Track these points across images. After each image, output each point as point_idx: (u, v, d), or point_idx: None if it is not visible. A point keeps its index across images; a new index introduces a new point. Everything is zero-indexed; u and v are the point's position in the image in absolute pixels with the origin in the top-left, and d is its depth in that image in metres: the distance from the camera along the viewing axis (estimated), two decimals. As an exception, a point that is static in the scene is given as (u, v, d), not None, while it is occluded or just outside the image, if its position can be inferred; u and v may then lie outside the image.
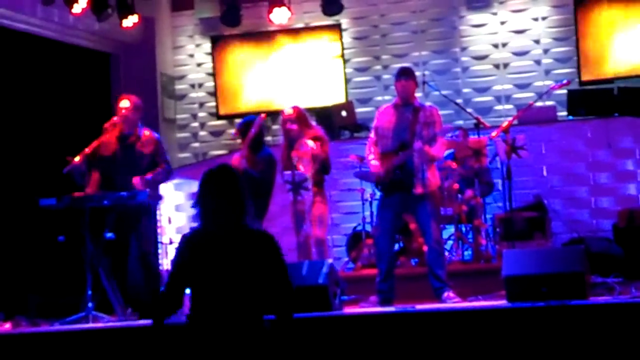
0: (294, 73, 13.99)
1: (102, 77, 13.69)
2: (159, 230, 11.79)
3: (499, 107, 13.38)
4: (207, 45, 14.36)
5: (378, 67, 13.85)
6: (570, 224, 11.74)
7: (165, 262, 12.18)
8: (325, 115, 12.66)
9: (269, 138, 13.58)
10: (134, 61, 13.82)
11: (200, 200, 5.35)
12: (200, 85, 14.46)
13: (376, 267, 9.04)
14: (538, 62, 13.35)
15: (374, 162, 8.94)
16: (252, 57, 14.13)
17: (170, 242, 12.36)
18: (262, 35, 14.14)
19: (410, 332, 7.22)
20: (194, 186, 12.89)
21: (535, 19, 13.39)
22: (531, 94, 12.98)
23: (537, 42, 13.37)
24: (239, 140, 10.19)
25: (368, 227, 11.05)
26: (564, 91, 12.19)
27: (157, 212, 9.65)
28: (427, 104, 9.25)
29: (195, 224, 5.47)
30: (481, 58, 13.52)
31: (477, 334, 7.08)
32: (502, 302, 7.73)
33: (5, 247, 11.23)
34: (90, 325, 8.45)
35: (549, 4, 13.37)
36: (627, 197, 11.96)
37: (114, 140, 9.29)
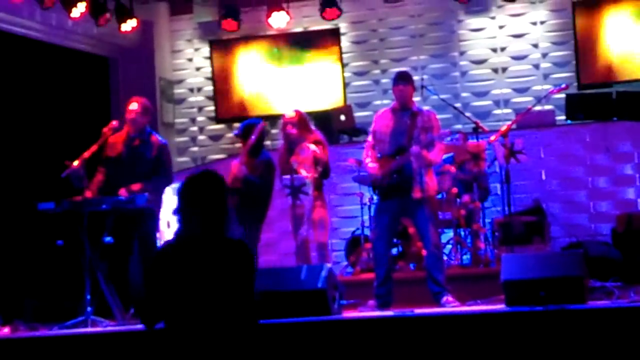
0: (293, 77, 13.99)
1: (101, 81, 13.70)
2: (157, 235, 11.76)
3: (497, 112, 13.38)
4: (205, 50, 14.37)
5: (377, 71, 13.86)
6: (569, 228, 11.74)
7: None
8: (324, 119, 12.65)
9: (268, 142, 13.59)
10: (133, 65, 13.83)
11: (180, 207, 5.27)
12: (199, 90, 14.46)
13: (374, 272, 9.05)
14: (537, 67, 13.36)
15: (371, 165, 8.94)
16: (251, 61, 14.12)
17: (169, 246, 12.35)
18: (260, 39, 14.14)
19: (409, 337, 7.21)
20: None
21: (534, 23, 13.40)
22: (530, 98, 12.98)
23: (535, 46, 13.39)
24: (238, 145, 10.19)
25: (367, 232, 11.04)
26: (563, 95, 12.20)
27: (158, 216, 9.61)
28: (425, 108, 9.25)
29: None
30: (480, 62, 13.53)
31: (475, 339, 7.07)
32: (501, 307, 7.73)
33: (4, 251, 11.22)
34: (89, 329, 8.44)
35: (547, 8, 13.38)
36: (626, 201, 11.96)
37: (121, 141, 9.33)
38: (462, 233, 11.04)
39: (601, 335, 6.81)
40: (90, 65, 13.44)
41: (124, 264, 9.30)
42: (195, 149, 14.42)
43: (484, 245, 10.83)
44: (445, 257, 10.66)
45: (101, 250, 8.97)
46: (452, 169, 10.99)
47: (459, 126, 12.51)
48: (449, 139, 10.07)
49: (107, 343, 7.73)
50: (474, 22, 13.58)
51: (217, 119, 14.28)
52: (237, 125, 11.88)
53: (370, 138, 9.11)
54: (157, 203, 9.56)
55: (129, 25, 12.63)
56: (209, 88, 14.36)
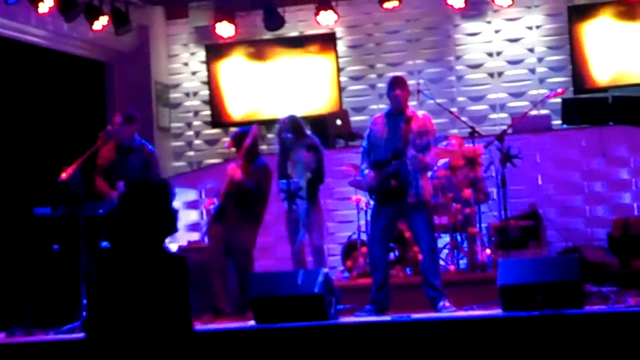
0: (288, 82, 13.99)
1: (97, 85, 13.69)
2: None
3: (493, 116, 13.39)
4: (201, 54, 14.36)
5: (373, 75, 13.85)
6: (565, 232, 11.74)
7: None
8: (320, 124, 12.65)
9: (264, 147, 13.59)
10: (129, 70, 13.82)
11: (119, 215, 5.06)
12: (195, 94, 14.45)
13: (371, 276, 9.05)
14: (532, 71, 13.36)
15: (367, 171, 8.95)
16: (247, 66, 14.12)
17: (165, 251, 12.34)
18: (256, 44, 14.14)
19: (405, 342, 7.21)
20: (189, 195, 13.00)
21: (530, 28, 13.41)
22: (526, 103, 12.98)
23: (531, 50, 13.39)
24: (233, 149, 10.20)
25: (363, 236, 11.03)
26: (559, 100, 12.19)
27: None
28: (420, 112, 9.25)
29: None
30: (476, 67, 13.54)
31: (472, 343, 7.08)
32: (498, 311, 7.73)
33: (0, 255, 11.21)
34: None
35: (543, 13, 13.39)
36: (622, 205, 11.96)
37: (112, 151, 9.42)
38: (459, 238, 11.04)
39: (598, 340, 6.82)
40: (86, 70, 13.42)
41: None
42: (191, 153, 14.41)
43: (481, 249, 10.84)
44: (441, 262, 10.69)
45: (98, 255, 8.95)
46: (448, 173, 10.99)
47: (455, 131, 12.51)
48: (445, 143, 10.08)
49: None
50: (469, 26, 13.58)
51: (213, 124, 14.27)
52: (233, 129, 11.90)
53: (365, 143, 9.13)
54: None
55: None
56: (204, 92, 14.35)
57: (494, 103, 13.44)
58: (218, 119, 14.18)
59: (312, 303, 7.93)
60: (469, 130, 11.08)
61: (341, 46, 13.94)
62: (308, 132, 9.86)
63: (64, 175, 8.98)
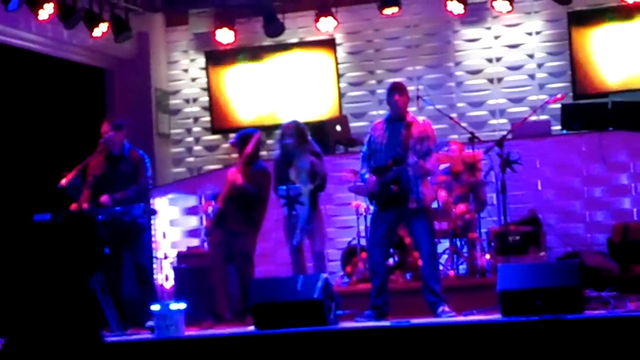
0: (288, 88, 13.99)
1: (97, 92, 13.70)
2: (153, 245, 11.77)
3: (493, 122, 13.39)
4: (201, 60, 14.37)
5: (372, 81, 13.86)
6: (565, 238, 11.74)
7: (160, 277, 12.18)
8: (320, 130, 12.65)
9: (264, 152, 13.60)
10: (128, 76, 13.83)
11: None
12: (195, 100, 14.46)
13: (370, 282, 9.05)
14: (532, 77, 13.37)
15: (367, 176, 8.95)
16: (247, 72, 14.13)
17: (165, 257, 12.36)
18: (256, 50, 14.15)
19: (405, 347, 7.21)
20: (189, 201, 13.01)
21: (529, 34, 13.41)
22: (525, 108, 12.98)
23: (531, 56, 13.40)
24: (233, 155, 10.21)
25: (363, 242, 11.04)
26: (558, 105, 12.19)
27: (152, 226, 9.66)
28: (420, 118, 9.26)
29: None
30: (475, 72, 13.54)
31: (472, 349, 7.08)
32: (497, 317, 7.73)
33: (0, 262, 11.20)
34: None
35: (542, 19, 13.40)
36: (622, 211, 11.95)
37: (103, 160, 9.44)
38: (458, 243, 11.04)
39: (597, 345, 6.82)
40: (86, 77, 13.43)
41: (119, 274, 9.34)
42: (191, 159, 14.41)
43: (480, 255, 10.83)
44: (441, 267, 10.69)
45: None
46: (448, 179, 11.00)
47: (454, 136, 12.52)
48: (445, 148, 10.09)
49: (104, 353, 7.71)
50: (469, 32, 13.59)
51: (212, 130, 14.27)
52: (232, 135, 11.90)
53: (365, 149, 9.13)
54: (150, 214, 9.62)
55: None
56: (204, 99, 14.36)
57: (493, 109, 13.44)
58: (218, 125, 14.18)
59: (312, 308, 7.93)
60: (469, 135, 11.10)
61: (341, 52, 13.95)
62: (310, 139, 9.86)
63: (63, 181, 9.01)
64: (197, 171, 14.24)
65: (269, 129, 13.89)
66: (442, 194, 10.79)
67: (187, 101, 14.47)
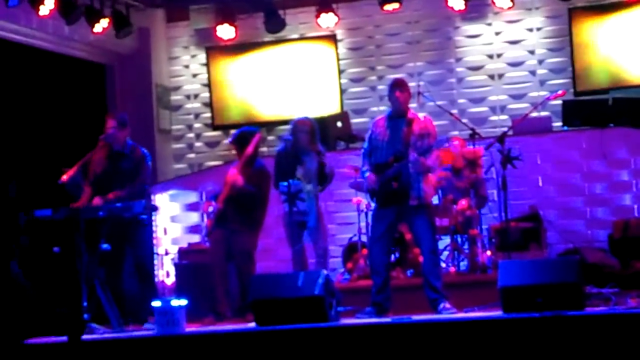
0: (289, 84, 13.99)
1: (98, 88, 13.69)
2: (154, 242, 11.79)
3: (494, 118, 13.39)
4: (202, 56, 14.37)
5: (373, 77, 13.86)
6: (566, 234, 11.74)
7: (161, 274, 12.18)
8: (321, 126, 12.63)
9: (264, 149, 13.60)
10: (129, 72, 13.83)
11: None
12: (196, 96, 14.46)
13: (372, 279, 9.05)
14: (533, 73, 13.36)
15: (368, 173, 8.94)
16: (247, 68, 14.12)
17: (166, 253, 12.37)
18: (257, 46, 14.14)
19: (406, 343, 7.22)
20: (189, 197, 13.01)
21: (530, 30, 13.41)
22: (526, 105, 12.99)
23: (532, 52, 13.40)
24: (234, 151, 10.20)
25: (364, 238, 11.04)
26: (559, 102, 12.19)
27: (152, 223, 9.66)
28: (421, 114, 9.24)
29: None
30: (476, 69, 13.54)
31: (473, 345, 7.08)
32: (498, 313, 7.73)
33: (0, 258, 11.20)
34: (86, 336, 8.43)
35: (543, 15, 13.39)
36: (623, 207, 11.96)
37: (104, 157, 9.42)
38: (459, 239, 11.04)
39: (598, 342, 6.82)
40: (86, 72, 13.43)
41: (120, 271, 9.34)
42: (191, 155, 14.42)
43: (481, 251, 10.84)
44: (442, 264, 10.69)
45: (98, 257, 8.98)
46: (449, 175, 11.00)
47: (455, 132, 12.51)
48: (446, 145, 10.09)
49: (104, 350, 7.73)
50: (470, 28, 13.59)
51: (213, 126, 14.27)
52: (233, 132, 11.89)
53: (366, 145, 9.12)
54: (150, 210, 9.61)
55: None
56: (205, 95, 14.35)
57: (494, 105, 13.44)
58: (219, 121, 14.18)
59: (313, 305, 7.93)
60: (470, 132, 11.09)
61: (342, 48, 13.95)
62: (318, 139, 9.85)
63: (64, 177, 9.01)
64: (197, 167, 14.24)
65: (270, 125, 13.91)
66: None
67: (188, 97, 14.48)
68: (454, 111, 12.74)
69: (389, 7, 13.10)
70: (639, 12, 12.94)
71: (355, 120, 13.44)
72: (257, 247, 9.84)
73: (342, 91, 13.88)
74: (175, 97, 14.46)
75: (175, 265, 11.76)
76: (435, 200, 10.18)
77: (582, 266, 7.79)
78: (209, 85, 14.27)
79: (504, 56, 13.46)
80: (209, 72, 14.27)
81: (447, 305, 8.63)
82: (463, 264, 10.99)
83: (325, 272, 8.26)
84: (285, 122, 10.42)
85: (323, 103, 13.79)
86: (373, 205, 9.24)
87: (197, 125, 14.43)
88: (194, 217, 13.04)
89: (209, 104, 14.29)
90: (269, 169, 9.81)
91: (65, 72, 12.84)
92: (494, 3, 13.06)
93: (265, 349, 7.45)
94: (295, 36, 14.05)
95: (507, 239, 10.25)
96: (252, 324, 8.24)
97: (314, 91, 13.89)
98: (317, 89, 13.89)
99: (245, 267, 9.63)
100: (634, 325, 6.80)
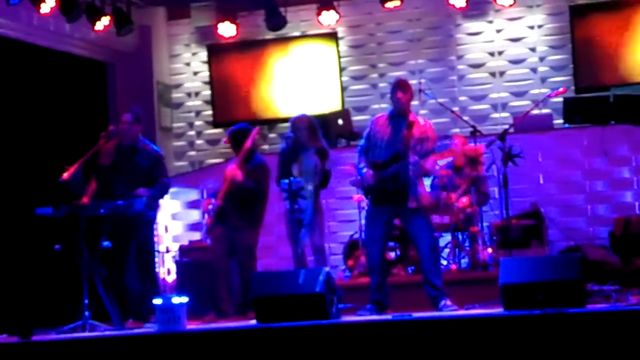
0: (290, 81, 13.98)
1: (99, 85, 13.69)
2: (155, 239, 11.79)
3: (495, 115, 13.39)
4: (203, 54, 14.36)
5: (374, 75, 13.86)
6: (567, 231, 11.74)
7: (162, 271, 12.19)
8: (322, 124, 12.63)
9: (265, 147, 13.62)
10: (130, 70, 13.82)
11: None
12: (197, 94, 14.46)
13: (370, 277, 9.05)
14: (534, 70, 13.36)
15: (365, 170, 8.91)
16: (249, 66, 14.12)
17: (167, 251, 12.37)
18: (258, 44, 14.14)
19: (407, 340, 7.21)
20: (190, 194, 13.01)
21: (531, 27, 13.40)
22: (527, 102, 12.99)
23: (533, 50, 13.39)
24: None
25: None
26: (560, 99, 12.19)
27: (155, 221, 9.65)
28: (421, 118, 9.17)
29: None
30: (477, 66, 13.54)
31: (474, 342, 7.07)
32: (499, 310, 7.73)
33: (2, 255, 11.22)
34: (87, 334, 8.44)
35: (544, 12, 13.39)
36: (624, 204, 11.96)
37: (113, 150, 9.38)
38: (460, 237, 11.04)
39: (599, 339, 6.81)
40: (87, 70, 13.43)
41: (121, 268, 9.33)
42: (192, 153, 14.42)
43: (482, 248, 10.84)
44: (443, 261, 10.70)
45: (99, 255, 8.99)
46: (450, 173, 11.00)
47: (456, 130, 12.51)
48: (447, 142, 10.09)
49: (105, 348, 7.72)
50: (471, 26, 13.58)
51: (214, 124, 14.27)
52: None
53: (363, 142, 9.10)
54: (155, 208, 9.61)
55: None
56: (206, 92, 14.36)
57: (495, 102, 13.43)
58: (220, 119, 14.18)
59: (314, 302, 7.93)
60: (471, 129, 11.09)
61: (343, 46, 13.94)
62: (320, 135, 9.83)
63: (65, 175, 8.99)
64: (199, 165, 14.24)
65: (271, 123, 13.92)
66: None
67: (189, 95, 14.48)
68: (455, 109, 12.74)
69: (390, 4, 13.09)
70: (639, 9, 12.93)
71: (356, 118, 13.44)
72: (258, 243, 9.85)
73: (343, 89, 13.87)
74: (176, 95, 14.46)
75: (176, 262, 11.77)
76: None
77: (583, 263, 7.78)
78: (210, 83, 14.27)
79: (505, 54, 13.46)
80: (210, 69, 14.27)
81: (448, 303, 8.63)
82: (464, 262, 10.99)
83: (326, 269, 8.26)
84: (286, 120, 10.38)
85: (324, 100, 13.78)
86: (366, 202, 9.21)
87: (198, 122, 14.43)
88: (194, 215, 13.04)
89: (210, 102, 14.29)
90: (268, 164, 9.81)
91: (66, 70, 12.84)
92: (495, 1, 13.06)
93: (266, 346, 7.45)
94: (297, 34, 14.04)
95: (508, 237, 10.25)
96: (253, 321, 8.24)
97: (315, 89, 13.89)
98: (318, 86, 13.88)
99: (247, 264, 9.64)
100: (635, 323, 6.80)
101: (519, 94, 13.34)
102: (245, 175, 9.58)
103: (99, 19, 12.41)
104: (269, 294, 8.07)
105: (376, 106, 13.52)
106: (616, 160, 12.07)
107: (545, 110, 12.63)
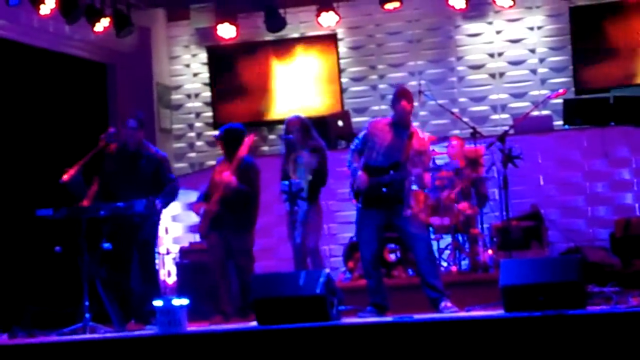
0: (290, 83, 13.98)
1: (98, 87, 13.69)
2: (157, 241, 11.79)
3: (495, 117, 13.39)
4: (203, 55, 14.37)
5: (374, 76, 13.86)
6: (567, 233, 11.75)
7: (162, 273, 12.18)
8: (321, 125, 12.64)
9: (265, 148, 13.63)
10: (130, 71, 13.82)
11: None
12: (197, 95, 14.46)
13: (366, 281, 9.03)
14: (534, 72, 13.36)
15: (360, 172, 8.85)
16: (248, 67, 14.12)
17: (168, 253, 12.36)
18: (257, 45, 14.14)
19: (408, 342, 7.21)
20: (190, 196, 13.01)
21: (531, 29, 13.41)
22: (527, 104, 13.00)
23: (532, 51, 13.40)
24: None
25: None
26: (560, 100, 12.20)
27: (159, 223, 9.63)
28: (420, 131, 9.11)
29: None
30: (477, 67, 13.54)
31: (474, 344, 7.07)
32: (500, 312, 7.73)
33: (2, 257, 11.22)
34: (87, 336, 8.44)
35: (544, 13, 13.39)
36: (624, 206, 11.97)
37: (118, 156, 9.36)
38: (461, 238, 11.04)
39: (600, 341, 6.81)
40: (87, 72, 13.43)
41: (123, 270, 9.31)
42: (192, 154, 14.42)
43: (482, 250, 10.84)
44: (444, 263, 10.70)
45: (99, 257, 8.98)
46: (450, 174, 11.00)
47: (456, 131, 12.52)
48: (445, 144, 10.09)
49: (106, 349, 7.72)
50: (471, 27, 13.59)
51: (214, 125, 14.26)
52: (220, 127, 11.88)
53: (358, 143, 9.01)
54: (152, 209, 9.57)
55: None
56: (206, 94, 14.36)
57: (495, 104, 13.44)
58: (220, 120, 14.16)
59: (314, 304, 7.92)
60: (471, 131, 11.09)
61: (342, 47, 13.95)
62: (314, 134, 9.83)
63: (65, 177, 8.98)
64: (199, 166, 14.24)
65: (270, 124, 13.92)
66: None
67: (188, 96, 14.48)
68: (455, 110, 12.75)
69: (389, 5, 13.09)
70: (638, 10, 12.94)
71: (356, 119, 13.44)
72: (254, 244, 9.85)
73: (343, 90, 13.88)
74: (176, 96, 14.47)
75: (177, 264, 11.77)
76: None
77: (584, 265, 7.77)
78: (209, 84, 14.27)
79: (504, 55, 13.47)
80: (209, 71, 14.27)
81: (449, 304, 8.63)
82: (464, 263, 10.99)
83: (327, 271, 8.26)
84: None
85: (324, 102, 13.79)
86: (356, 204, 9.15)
87: (198, 124, 14.44)
88: (195, 217, 12.99)
89: (210, 103, 14.29)
90: (256, 165, 9.82)
91: (66, 72, 12.84)
92: (494, 2, 13.07)
93: (266, 348, 7.45)
94: (296, 35, 14.05)
95: (508, 238, 10.26)
96: (254, 323, 8.24)
97: (314, 90, 13.88)
98: (317, 88, 13.88)
99: (246, 266, 9.64)
100: (636, 324, 6.80)
101: (518, 96, 13.35)
102: (237, 178, 9.58)
103: (99, 21, 12.41)
104: (269, 296, 8.07)
105: (376, 108, 13.54)
106: (616, 161, 12.08)
107: (545, 112, 12.64)
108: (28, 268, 11.34)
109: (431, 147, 9.27)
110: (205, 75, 14.35)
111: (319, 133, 10.14)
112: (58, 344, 8.00)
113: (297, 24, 13.94)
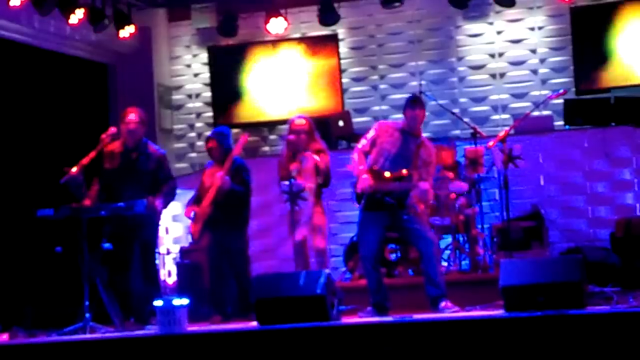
0: (290, 83, 13.99)
1: (99, 87, 13.71)
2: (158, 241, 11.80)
3: (495, 117, 13.39)
4: (204, 56, 14.37)
5: (375, 77, 13.86)
6: (568, 233, 11.75)
7: (163, 273, 12.18)
8: (322, 125, 12.64)
9: (266, 148, 13.63)
10: (131, 71, 13.84)
11: None
12: (197, 96, 14.47)
13: (366, 282, 9.02)
14: (534, 72, 13.36)
15: (365, 176, 8.80)
16: (249, 67, 14.12)
17: (168, 253, 12.36)
18: (258, 45, 14.14)
19: (408, 342, 7.21)
20: (191, 196, 13.01)
21: (532, 29, 13.41)
22: (528, 104, 12.99)
23: (533, 51, 13.39)
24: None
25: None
26: (561, 101, 12.20)
27: (159, 222, 9.63)
28: (427, 140, 9.10)
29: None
30: (478, 68, 13.54)
31: (474, 344, 7.08)
32: (500, 312, 7.73)
33: (3, 257, 11.22)
34: (88, 336, 8.44)
35: (545, 14, 13.39)
36: (625, 206, 11.97)
37: (118, 152, 9.34)
38: (461, 238, 11.03)
39: (600, 341, 6.82)
40: (88, 72, 13.44)
41: (123, 270, 9.31)
42: (193, 155, 14.43)
43: (483, 250, 10.84)
44: (444, 263, 10.69)
45: (100, 257, 8.98)
46: (450, 174, 10.99)
47: (457, 132, 12.52)
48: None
49: (106, 349, 7.73)
50: (472, 27, 13.59)
51: (215, 125, 14.24)
52: (236, 131, 11.90)
53: (366, 144, 8.97)
54: (153, 210, 9.57)
55: (127, 31, 12.66)
56: (207, 94, 14.36)
57: (496, 104, 13.44)
58: (220, 120, 14.17)
59: (315, 304, 7.92)
60: (471, 131, 11.09)
61: (343, 47, 13.95)
62: (317, 136, 9.83)
63: (66, 177, 8.98)
64: (199, 167, 14.22)
65: (271, 124, 13.92)
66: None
67: (189, 96, 14.49)
68: (456, 110, 12.75)
69: (390, 5, 13.10)
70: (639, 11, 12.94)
71: (356, 120, 13.44)
72: (249, 244, 9.87)
73: (344, 90, 13.88)
74: (177, 97, 14.47)
75: (177, 264, 11.77)
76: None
77: (584, 265, 7.78)
78: (210, 84, 14.28)
79: (505, 55, 13.46)
80: (210, 71, 14.27)
81: (449, 304, 8.62)
82: (465, 263, 10.99)
83: (327, 271, 8.26)
84: (286, 122, 10.37)
85: (324, 102, 13.78)
86: (358, 206, 9.13)
87: (198, 124, 14.44)
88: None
89: (211, 104, 14.29)
90: (247, 164, 9.83)
91: (67, 72, 12.86)
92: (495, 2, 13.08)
93: (267, 348, 7.45)
94: (297, 35, 14.05)
95: (508, 238, 10.26)
96: (254, 323, 8.24)
97: (315, 90, 13.88)
98: (318, 88, 13.88)
99: (242, 267, 9.68)
100: (636, 324, 6.80)
101: (519, 96, 13.34)
102: (231, 180, 9.59)
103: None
104: (269, 296, 8.07)
105: (377, 108, 13.54)
106: (617, 161, 12.08)
107: (546, 112, 12.64)
108: (29, 268, 11.35)
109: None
110: (206, 75, 14.35)
111: (319, 133, 10.15)
112: (58, 344, 8.01)
113: (298, 24, 13.94)
